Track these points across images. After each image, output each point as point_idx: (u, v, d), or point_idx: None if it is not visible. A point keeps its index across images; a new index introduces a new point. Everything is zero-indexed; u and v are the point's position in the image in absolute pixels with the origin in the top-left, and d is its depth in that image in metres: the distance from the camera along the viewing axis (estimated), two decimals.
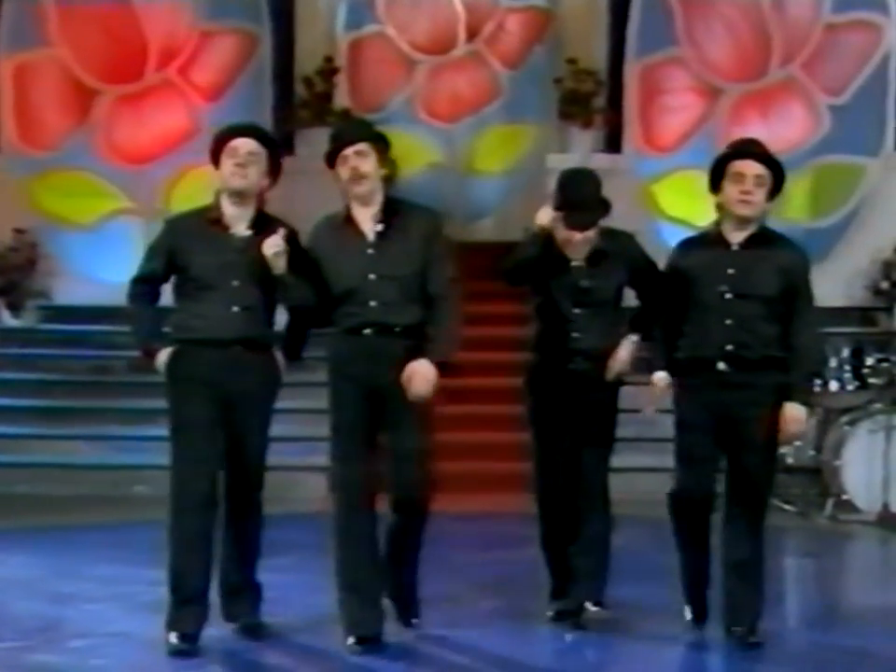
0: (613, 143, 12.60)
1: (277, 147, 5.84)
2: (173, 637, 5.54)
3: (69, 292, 12.29)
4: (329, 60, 12.71)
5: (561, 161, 11.38)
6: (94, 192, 12.58)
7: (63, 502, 9.61)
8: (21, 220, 12.38)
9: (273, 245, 5.51)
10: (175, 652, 5.50)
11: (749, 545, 5.73)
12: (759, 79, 12.56)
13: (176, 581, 5.57)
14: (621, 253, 5.96)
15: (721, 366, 5.68)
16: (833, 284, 11.73)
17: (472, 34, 13.18)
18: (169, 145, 12.59)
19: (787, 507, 9.46)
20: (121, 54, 12.53)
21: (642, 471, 8.81)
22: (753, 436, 5.68)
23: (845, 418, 9.73)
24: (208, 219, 5.66)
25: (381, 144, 5.67)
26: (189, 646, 5.53)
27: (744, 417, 5.67)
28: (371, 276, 5.57)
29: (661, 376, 5.81)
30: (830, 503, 9.53)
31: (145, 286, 5.71)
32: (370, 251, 5.61)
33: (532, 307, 6.09)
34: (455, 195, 12.69)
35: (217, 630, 5.71)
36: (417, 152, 12.64)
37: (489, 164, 13.24)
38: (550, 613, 6.07)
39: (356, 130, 5.81)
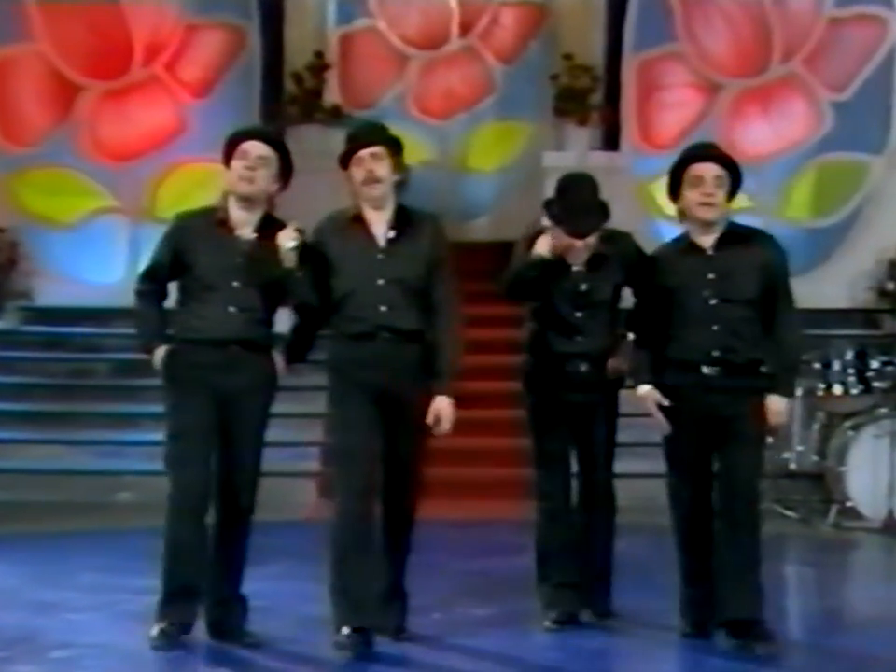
0: (610, 140, 12.61)
1: (288, 151, 5.86)
2: (156, 630, 5.62)
3: (51, 293, 12.21)
4: (319, 55, 12.70)
5: (557, 160, 11.61)
6: (77, 190, 12.50)
7: (45, 509, 9.55)
8: (2, 219, 12.31)
9: (289, 238, 5.59)
10: (160, 642, 5.57)
11: (744, 547, 5.72)
12: (759, 75, 12.52)
13: (169, 577, 5.65)
14: (618, 254, 6.02)
15: (707, 370, 5.73)
16: (837, 285, 11.90)
17: (466, 28, 13.17)
18: (155, 142, 12.55)
19: (789, 514, 9.44)
20: (106, 49, 12.47)
21: (640, 477, 8.64)
22: (741, 431, 5.72)
23: (848, 423, 9.67)
24: (214, 220, 5.74)
25: (396, 148, 5.75)
26: (174, 636, 5.61)
27: (729, 415, 5.72)
28: (380, 281, 5.64)
29: (647, 389, 5.82)
30: (833, 510, 9.45)
31: (152, 283, 5.80)
32: (380, 256, 5.69)
33: (528, 309, 6.14)
34: (448, 194, 12.64)
35: (204, 638, 5.73)
36: (409, 150, 12.38)
37: (483, 163, 13.22)
38: (547, 623, 6.04)
39: (373, 132, 5.85)
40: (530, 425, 6.10)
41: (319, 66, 12.59)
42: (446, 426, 5.65)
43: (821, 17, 12.41)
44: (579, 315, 5.96)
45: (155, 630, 5.61)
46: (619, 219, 6.09)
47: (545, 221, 5.98)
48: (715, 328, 5.71)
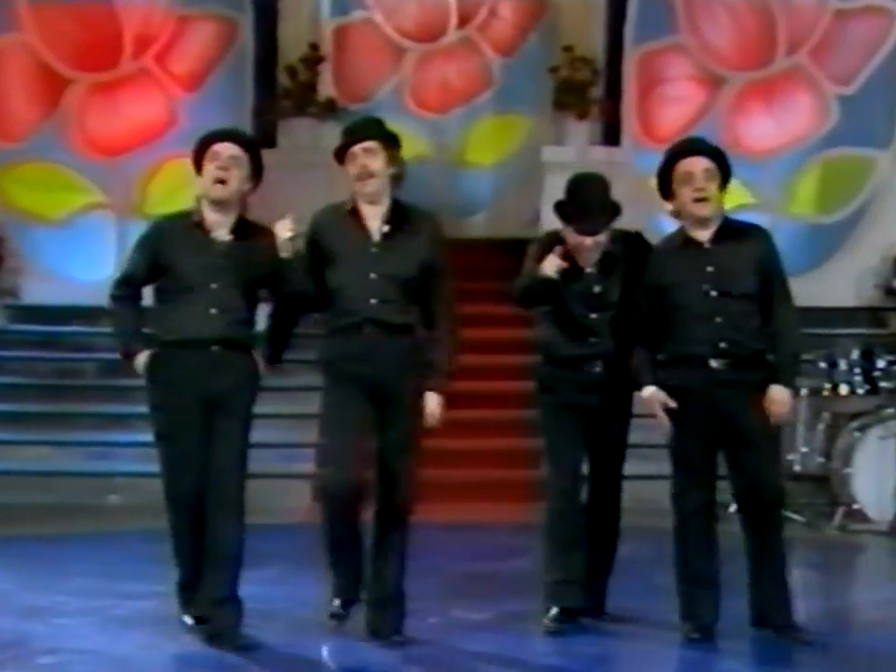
0: (611, 135, 12.54)
1: (259, 151, 5.95)
2: (188, 619, 5.87)
3: (38, 291, 12.12)
4: (313, 47, 12.60)
5: (556, 154, 11.72)
6: (65, 186, 12.42)
7: (33, 511, 9.51)
8: None
9: (287, 228, 5.68)
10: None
11: (776, 553, 5.79)
12: (763, 68, 12.46)
13: (180, 565, 5.83)
14: (629, 254, 6.06)
15: (715, 364, 5.74)
16: (842, 283, 11.88)
17: (464, 20, 13.09)
18: (145, 136, 12.50)
19: (794, 517, 9.26)
20: (95, 40, 12.38)
21: (640, 479, 8.64)
22: (750, 428, 5.74)
23: (854, 424, 9.61)
24: (191, 223, 5.82)
25: (391, 142, 5.83)
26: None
27: (737, 412, 5.74)
28: (372, 275, 5.72)
29: (651, 390, 5.85)
30: (839, 513, 9.39)
31: (127, 287, 5.87)
32: (373, 250, 5.77)
33: (541, 311, 6.18)
34: (445, 189, 12.55)
35: (198, 642, 5.76)
36: (405, 144, 12.34)
37: (481, 157, 13.13)
38: (546, 621, 6.04)
39: (367, 126, 5.92)
40: (543, 425, 6.15)
41: (314, 59, 12.51)
42: (432, 422, 5.76)
43: (827, 8, 12.35)
44: (593, 316, 6.00)
45: (188, 619, 5.83)
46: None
47: (551, 269, 5.87)
48: (718, 320, 5.73)
